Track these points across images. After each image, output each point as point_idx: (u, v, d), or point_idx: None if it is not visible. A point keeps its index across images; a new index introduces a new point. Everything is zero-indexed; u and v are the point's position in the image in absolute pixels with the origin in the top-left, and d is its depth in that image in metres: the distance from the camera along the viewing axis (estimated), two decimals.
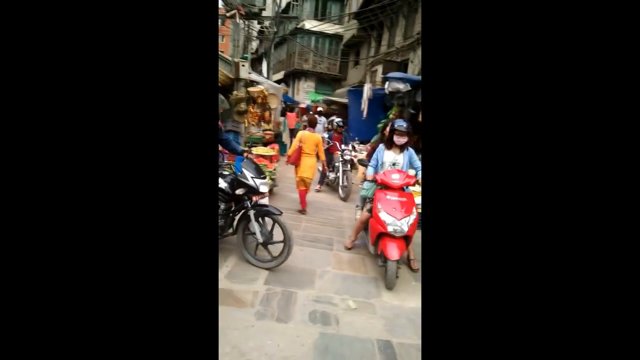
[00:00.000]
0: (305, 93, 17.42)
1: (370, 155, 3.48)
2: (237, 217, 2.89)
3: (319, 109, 8.97)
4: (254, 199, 2.76)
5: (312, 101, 14.79)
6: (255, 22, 10.35)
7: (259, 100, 7.90)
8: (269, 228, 2.81)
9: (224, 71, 8.16)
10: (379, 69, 12.02)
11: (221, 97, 2.83)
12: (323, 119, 9.03)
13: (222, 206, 2.81)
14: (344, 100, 12.96)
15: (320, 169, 5.22)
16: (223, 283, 2.51)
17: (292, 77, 18.81)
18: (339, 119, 6.21)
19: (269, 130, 8.40)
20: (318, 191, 5.76)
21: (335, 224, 4.20)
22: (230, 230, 2.91)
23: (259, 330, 2.02)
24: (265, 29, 12.34)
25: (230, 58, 9.34)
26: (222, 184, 2.78)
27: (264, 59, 18.70)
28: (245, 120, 7.77)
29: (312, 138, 4.42)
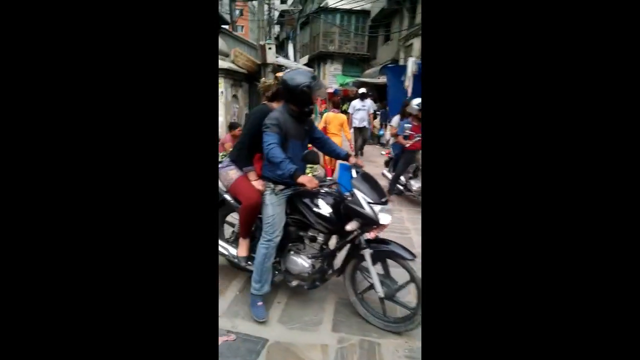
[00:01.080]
0: (332, 77, 16.43)
1: None
2: (340, 252, 2.01)
3: (361, 90, 7.33)
4: (372, 234, 1.82)
5: (341, 84, 13.86)
6: (278, 1, 9.54)
7: None
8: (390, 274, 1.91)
9: (249, 56, 7.52)
10: (415, 42, 10.83)
11: (316, 82, 1.85)
12: (368, 101, 7.15)
13: (320, 239, 1.94)
14: (376, 80, 11.97)
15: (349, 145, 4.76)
16: (278, 331, 1.84)
17: (317, 60, 17.82)
18: (419, 100, 3.97)
19: None
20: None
21: (398, 229, 3.44)
22: (331, 272, 2.02)
23: None
24: (289, 9, 11.50)
25: (254, 42, 8.68)
26: (324, 208, 1.85)
27: (286, 44, 17.88)
28: None
29: (337, 118, 4.52)
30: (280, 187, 1.88)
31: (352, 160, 2.00)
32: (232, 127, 4.12)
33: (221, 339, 1.76)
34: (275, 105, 2.02)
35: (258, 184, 1.94)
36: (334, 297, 2.17)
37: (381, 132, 9.58)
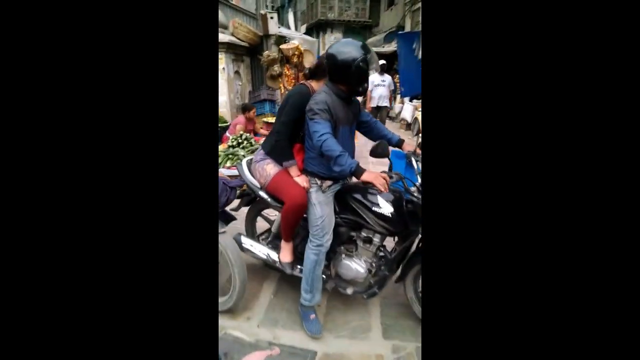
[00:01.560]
0: None
1: None
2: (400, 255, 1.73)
3: (381, 62, 6.50)
4: None
5: None
6: None
7: (294, 60, 6.70)
8: None
9: (250, 27, 6.98)
10: None
11: (371, 54, 1.48)
12: (387, 77, 5.89)
13: (376, 240, 1.68)
14: (381, 49, 11.36)
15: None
16: (325, 340, 1.68)
17: (315, 30, 16.92)
18: None
19: None
20: None
21: None
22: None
23: None
24: None
25: (252, 12, 8.06)
26: (385, 207, 1.58)
27: (281, 12, 16.87)
28: (281, 86, 6.65)
29: None
30: (328, 183, 1.61)
31: (408, 147, 1.72)
32: (245, 108, 3.81)
33: (264, 354, 1.59)
34: (315, 85, 1.67)
35: (302, 181, 1.64)
36: (376, 297, 2.00)
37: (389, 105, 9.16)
